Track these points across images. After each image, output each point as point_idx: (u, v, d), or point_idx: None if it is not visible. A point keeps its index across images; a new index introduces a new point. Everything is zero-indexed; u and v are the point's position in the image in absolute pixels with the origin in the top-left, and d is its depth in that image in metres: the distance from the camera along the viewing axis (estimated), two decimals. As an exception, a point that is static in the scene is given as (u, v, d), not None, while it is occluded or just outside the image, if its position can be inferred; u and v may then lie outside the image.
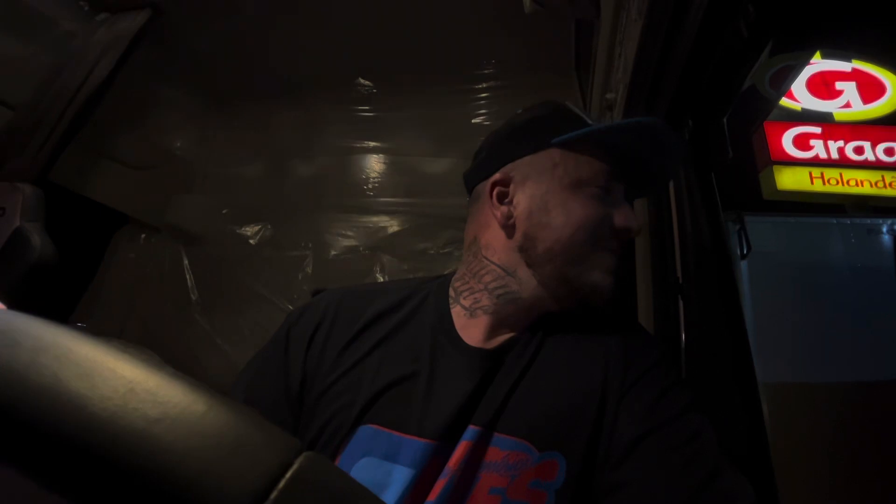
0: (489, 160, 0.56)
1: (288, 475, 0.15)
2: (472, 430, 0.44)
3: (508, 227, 0.52)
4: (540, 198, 0.51)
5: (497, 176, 0.54)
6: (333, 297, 0.55)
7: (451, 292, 0.55)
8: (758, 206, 2.56)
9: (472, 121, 1.94)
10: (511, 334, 0.51)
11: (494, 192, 0.53)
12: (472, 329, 0.51)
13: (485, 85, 1.95)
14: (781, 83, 2.48)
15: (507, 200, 0.53)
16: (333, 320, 0.53)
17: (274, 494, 0.15)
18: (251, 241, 1.99)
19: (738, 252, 2.16)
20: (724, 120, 0.67)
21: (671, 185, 0.76)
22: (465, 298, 0.53)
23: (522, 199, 0.52)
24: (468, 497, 0.42)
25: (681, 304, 0.68)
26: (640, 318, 0.77)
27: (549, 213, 0.51)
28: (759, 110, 2.51)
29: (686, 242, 0.69)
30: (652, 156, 0.52)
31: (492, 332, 0.51)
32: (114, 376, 0.16)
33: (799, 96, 2.97)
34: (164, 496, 0.14)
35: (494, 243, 0.53)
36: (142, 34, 1.58)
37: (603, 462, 0.44)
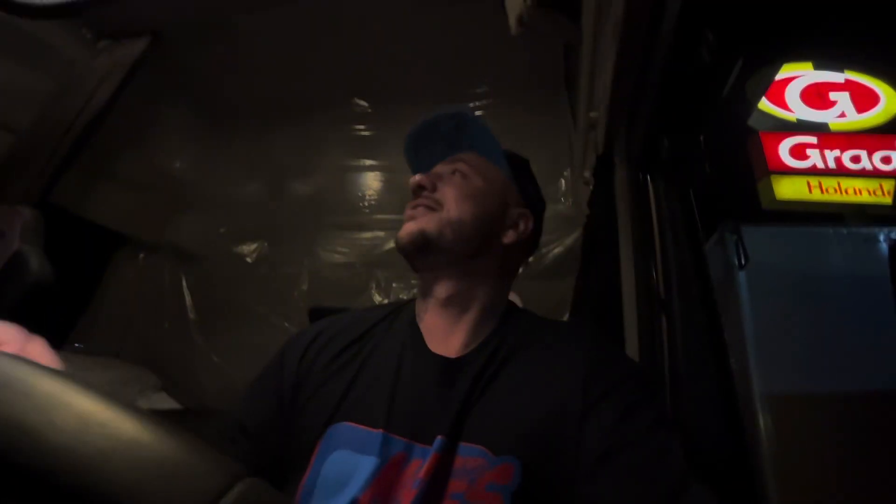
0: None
1: (226, 500, 0.16)
2: (439, 440, 0.46)
3: None
4: None
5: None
6: (328, 321, 0.62)
7: (418, 308, 0.61)
8: (757, 217, 2.56)
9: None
10: (475, 345, 0.55)
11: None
12: (428, 332, 0.57)
13: (478, 103, 1.99)
14: (776, 95, 2.51)
15: None
16: (327, 338, 0.59)
17: None
18: (248, 260, 2.01)
19: (736, 263, 2.16)
20: (702, 137, 0.68)
21: (652, 201, 0.77)
22: (419, 304, 0.60)
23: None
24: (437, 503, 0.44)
25: (664, 319, 0.69)
26: (626, 333, 0.78)
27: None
28: (744, 119, 2.54)
29: (668, 259, 0.70)
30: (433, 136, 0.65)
31: (446, 334, 0.56)
32: (69, 410, 0.17)
33: (794, 107, 3.00)
34: None
35: None
36: (142, 60, 1.62)
37: (570, 473, 0.46)
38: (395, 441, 0.48)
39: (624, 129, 0.78)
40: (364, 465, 0.46)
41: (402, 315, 0.61)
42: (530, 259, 0.69)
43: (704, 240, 0.81)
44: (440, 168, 0.63)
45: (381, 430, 0.48)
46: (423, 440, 0.48)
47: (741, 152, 2.82)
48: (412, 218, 0.58)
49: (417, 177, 0.60)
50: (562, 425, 0.47)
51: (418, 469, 0.46)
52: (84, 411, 0.17)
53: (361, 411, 0.50)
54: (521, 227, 0.61)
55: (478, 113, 1.99)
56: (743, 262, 2.08)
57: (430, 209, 0.58)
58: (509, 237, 0.60)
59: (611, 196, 0.88)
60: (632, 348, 0.74)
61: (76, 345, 1.92)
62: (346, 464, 0.47)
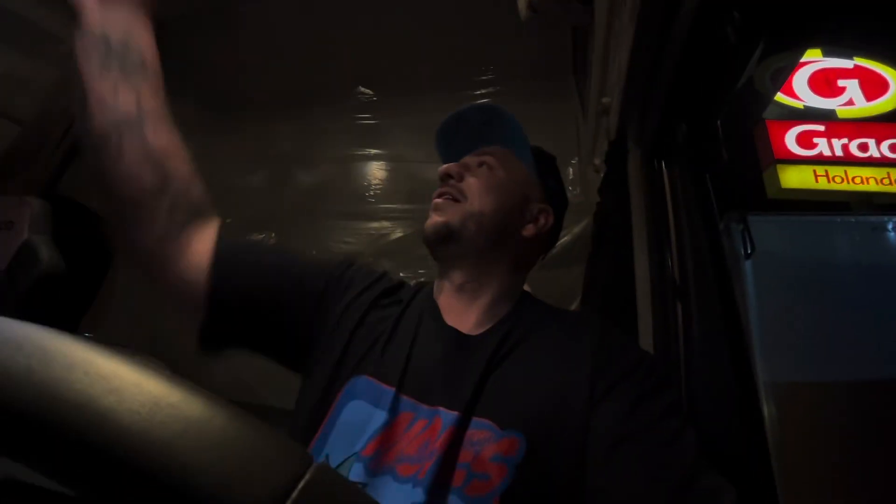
0: None
1: (300, 486, 0.16)
2: (454, 415, 0.49)
3: None
4: None
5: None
6: (380, 272, 0.67)
7: (436, 284, 0.65)
8: (762, 206, 2.55)
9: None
10: (491, 324, 0.58)
11: None
12: (444, 306, 0.60)
13: (484, 91, 1.97)
14: (777, 80, 2.48)
15: None
16: (378, 287, 0.63)
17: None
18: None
19: (742, 252, 2.15)
20: (718, 122, 0.67)
21: (667, 187, 0.76)
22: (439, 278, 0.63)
23: None
24: (449, 474, 0.47)
25: (679, 306, 0.68)
26: (639, 321, 0.77)
27: None
28: (757, 107, 2.50)
29: (683, 245, 0.70)
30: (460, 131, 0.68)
31: (461, 310, 0.59)
32: (140, 391, 0.17)
33: (801, 94, 2.96)
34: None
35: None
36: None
37: (575, 454, 0.48)
38: (405, 401, 0.52)
39: (638, 113, 0.77)
40: (375, 418, 0.50)
41: (424, 290, 0.65)
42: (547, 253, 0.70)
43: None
44: (468, 159, 0.65)
45: (393, 388, 0.52)
46: (429, 402, 0.52)
47: (746, 140, 2.80)
48: (438, 209, 0.61)
49: (445, 165, 0.63)
50: (569, 407, 0.49)
51: (422, 430, 0.50)
52: (155, 393, 0.17)
53: (381, 367, 0.54)
54: (541, 221, 0.64)
55: (482, 101, 1.98)
56: (749, 251, 2.07)
57: (455, 200, 0.61)
58: (528, 231, 0.63)
59: (624, 183, 0.87)
60: (646, 336, 0.74)
61: (86, 334, 1.93)
62: (360, 414, 0.51)
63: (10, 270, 1.34)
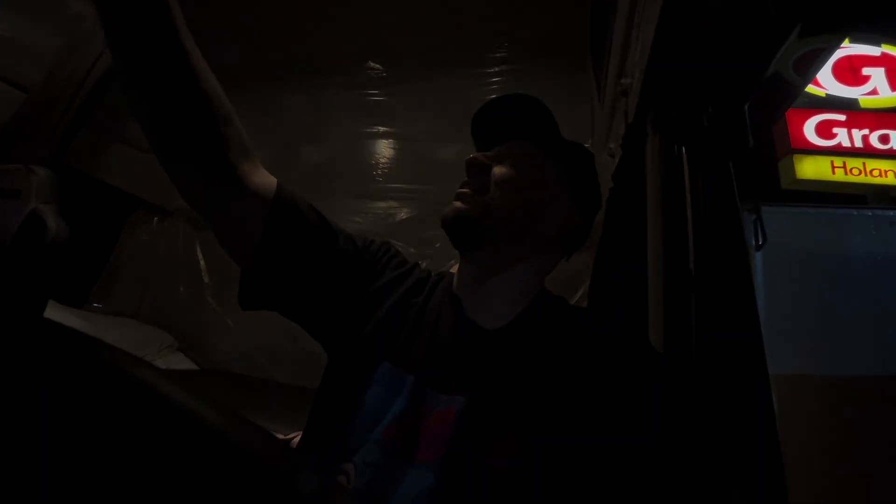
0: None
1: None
2: (467, 404, 0.51)
3: None
4: None
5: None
6: (412, 263, 0.67)
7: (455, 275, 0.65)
8: (775, 196, 2.50)
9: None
10: (509, 319, 0.58)
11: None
12: (464, 298, 0.60)
13: (497, 69, 1.91)
14: (808, 68, 2.38)
15: None
16: (410, 276, 0.64)
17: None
18: (261, 226, 2.00)
19: (754, 243, 2.11)
20: (746, 107, 0.64)
21: (686, 173, 0.74)
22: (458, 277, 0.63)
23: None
24: (460, 459, 0.49)
25: (693, 297, 0.67)
26: (650, 311, 0.76)
27: None
28: (781, 98, 2.41)
29: (701, 234, 0.67)
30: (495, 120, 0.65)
31: (478, 303, 0.59)
32: None
33: (824, 82, 2.86)
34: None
35: None
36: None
37: (581, 455, 0.49)
38: (424, 390, 0.53)
39: (661, 95, 0.74)
40: (396, 404, 0.52)
41: (444, 281, 0.65)
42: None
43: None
44: (498, 151, 0.63)
45: (413, 376, 0.53)
46: (445, 391, 0.53)
47: (762, 128, 2.72)
48: (460, 198, 0.60)
49: (473, 155, 0.61)
50: (580, 408, 0.51)
51: (439, 418, 0.51)
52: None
53: (404, 355, 0.56)
54: (566, 222, 0.61)
55: (495, 79, 1.92)
56: (760, 242, 2.04)
57: (477, 191, 0.59)
58: (551, 231, 0.60)
59: (640, 168, 0.84)
60: (657, 327, 0.73)
61: (95, 304, 1.95)
62: (382, 399, 0.53)
63: (17, 240, 1.34)
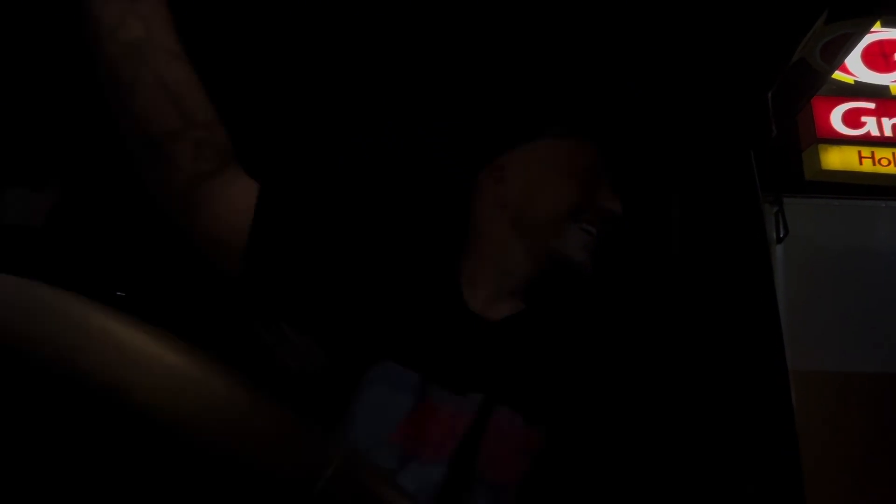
0: (488, 154, 0.64)
1: (328, 473, 0.16)
2: (479, 399, 0.50)
3: (501, 205, 0.60)
4: (531, 178, 0.59)
5: (495, 162, 0.62)
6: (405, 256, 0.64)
7: (459, 264, 0.63)
8: (798, 188, 2.42)
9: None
10: (512, 311, 0.58)
11: (492, 176, 0.62)
12: (473, 297, 0.59)
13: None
14: (835, 54, 2.29)
15: (502, 182, 0.61)
16: (400, 269, 0.60)
17: (315, 491, 0.15)
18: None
19: (775, 236, 2.06)
20: (769, 95, 0.62)
21: (705, 164, 0.72)
22: (466, 268, 0.61)
23: (515, 179, 0.60)
24: (471, 457, 0.48)
25: (710, 292, 0.65)
26: (664, 305, 0.75)
27: (537, 191, 0.59)
28: (807, 85, 2.33)
29: (719, 228, 0.66)
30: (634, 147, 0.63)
31: (491, 303, 0.58)
32: (161, 366, 0.16)
33: (853, 69, 2.75)
34: (217, 483, 0.15)
35: (490, 220, 0.61)
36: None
37: (590, 449, 0.50)
38: (430, 387, 0.52)
39: (674, 86, 0.72)
40: (401, 403, 0.50)
41: (444, 274, 0.62)
42: None
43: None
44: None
45: (418, 374, 0.52)
46: (454, 388, 0.52)
47: (787, 117, 2.62)
48: (589, 251, 0.59)
49: (617, 206, 0.59)
50: (586, 403, 0.51)
51: (449, 416, 0.50)
52: (176, 367, 0.16)
53: (403, 352, 0.53)
54: None
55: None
56: (781, 235, 1.99)
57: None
58: None
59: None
60: (668, 320, 0.71)
61: (117, 293, 2.00)
62: (384, 398, 0.51)
63: (46, 227, 1.38)
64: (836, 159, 2.62)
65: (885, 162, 2.63)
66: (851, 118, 2.67)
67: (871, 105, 2.68)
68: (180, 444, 0.15)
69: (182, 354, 0.17)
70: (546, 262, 0.58)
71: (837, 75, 2.67)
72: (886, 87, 2.72)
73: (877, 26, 2.71)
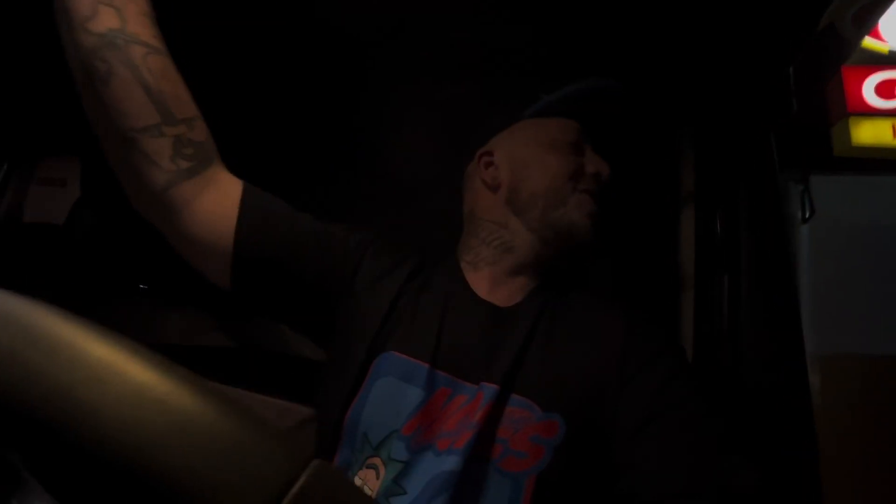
0: (476, 143, 0.65)
1: (294, 490, 0.15)
2: (493, 388, 0.48)
3: (495, 187, 0.61)
4: (519, 157, 0.61)
5: (483, 149, 0.64)
6: (405, 251, 0.62)
7: (458, 254, 0.63)
8: (826, 165, 2.31)
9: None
10: (521, 297, 0.57)
11: (481, 161, 0.63)
12: (478, 281, 0.58)
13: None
14: (866, 20, 2.15)
15: (492, 166, 0.62)
16: (400, 262, 0.59)
17: None
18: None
19: (801, 215, 1.98)
20: (791, 69, 0.58)
21: (721, 143, 0.69)
22: (467, 255, 0.61)
23: (505, 161, 0.61)
24: (486, 446, 0.47)
25: (726, 277, 0.63)
26: (682, 291, 0.73)
27: (528, 166, 0.59)
28: (836, 54, 2.20)
29: (737, 211, 0.63)
30: (607, 114, 0.61)
31: (497, 284, 0.58)
32: (124, 382, 0.16)
33: (887, 35, 2.58)
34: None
35: (485, 204, 0.61)
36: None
37: (609, 435, 0.48)
38: (441, 376, 0.51)
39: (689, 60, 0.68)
40: (411, 395, 0.49)
41: (446, 263, 0.62)
42: None
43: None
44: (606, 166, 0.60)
45: (427, 364, 0.50)
46: (467, 379, 0.51)
47: (814, 89, 2.49)
48: (594, 218, 0.58)
49: (604, 168, 0.59)
50: (604, 388, 0.50)
51: (462, 405, 0.49)
52: (140, 384, 0.16)
53: (410, 344, 0.52)
54: None
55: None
56: (808, 214, 1.91)
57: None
58: None
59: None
60: (687, 309, 0.70)
61: (141, 286, 2.06)
62: (393, 391, 0.50)
63: (66, 227, 1.42)
64: (868, 133, 2.49)
65: (921, 135, 2.48)
66: (885, 89, 2.52)
67: (907, 74, 2.53)
68: (142, 465, 0.15)
69: (147, 369, 0.16)
70: (548, 234, 0.57)
71: (869, 44, 2.51)
72: (924, 55, 2.56)
73: (915, -11, 2.53)
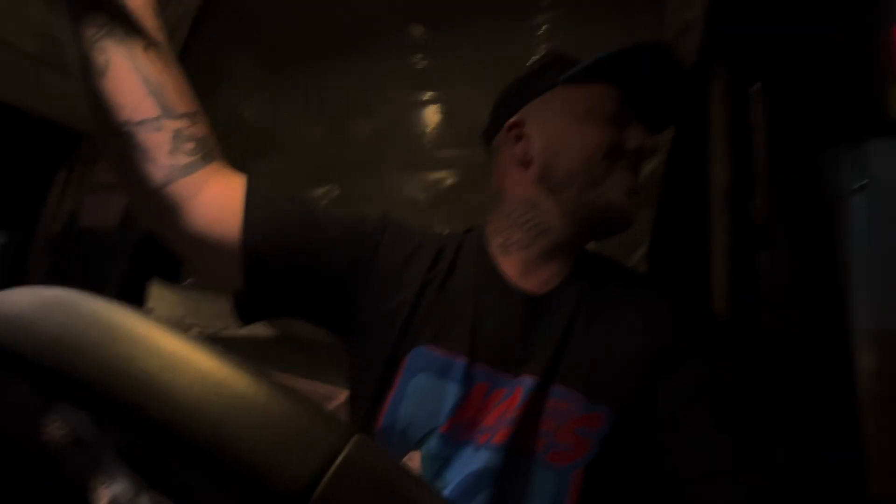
0: (503, 111, 0.58)
1: (338, 461, 0.17)
2: (532, 380, 0.47)
3: (527, 163, 0.55)
4: (553, 130, 0.54)
5: (512, 120, 0.56)
6: (419, 237, 0.58)
7: (486, 237, 0.57)
8: (882, 129, 2.13)
9: (533, 58, 1.80)
10: (556, 283, 0.53)
11: (511, 134, 0.56)
12: (509, 266, 0.54)
13: (545, 16, 1.78)
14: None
15: (522, 139, 0.56)
16: (416, 244, 0.56)
17: (325, 478, 0.17)
18: (324, 203, 2.10)
19: (853, 185, 1.84)
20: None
21: (758, 113, 0.65)
22: (497, 237, 0.56)
23: (537, 134, 0.55)
24: (530, 440, 0.46)
25: (763, 253, 0.61)
26: (714, 267, 0.71)
27: (563, 141, 0.53)
28: (886, 9, 2.00)
29: (775, 185, 0.60)
30: (654, 79, 0.53)
31: (530, 269, 0.54)
32: (192, 369, 0.18)
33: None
34: (231, 480, 0.17)
35: (517, 181, 0.56)
36: (205, 9, 1.63)
37: (652, 416, 0.47)
38: (479, 370, 0.49)
39: (729, 22, 0.65)
40: (449, 392, 0.48)
41: (467, 248, 0.57)
42: None
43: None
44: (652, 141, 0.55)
45: (464, 359, 0.49)
46: (507, 371, 0.49)
47: (862, 50, 2.26)
48: (633, 195, 0.54)
49: (651, 140, 0.54)
50: (650, 373, 0.48)
51: (502, 399, 0.48)
52: (205, 370, 0.18)
53: (442, 337, 0.50)
54: None
55: (544, 26, 1.79)
56: (861, 183, 1.78)
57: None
58: None
59: (704, 114, 0.76)
60: (720, 288, 0.68)
61: (188, 280, 2.19)
62: (430, 387, 0.48)
63: (120, 229, 1.53)
64: (930, 92, 2.27)
65: None
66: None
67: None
68: (212, 442, 0.17)
69: (209, 357, 0.19)
70: (585, 214, 0.53)
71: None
72: None
73: None
